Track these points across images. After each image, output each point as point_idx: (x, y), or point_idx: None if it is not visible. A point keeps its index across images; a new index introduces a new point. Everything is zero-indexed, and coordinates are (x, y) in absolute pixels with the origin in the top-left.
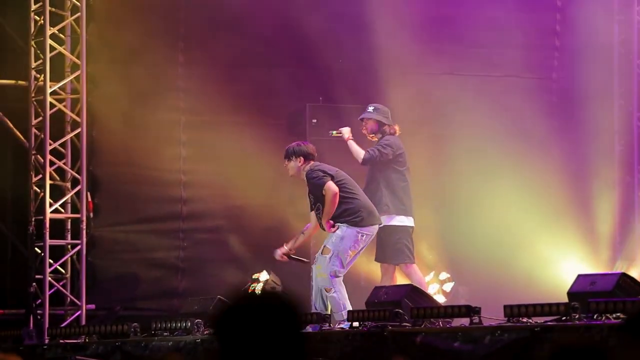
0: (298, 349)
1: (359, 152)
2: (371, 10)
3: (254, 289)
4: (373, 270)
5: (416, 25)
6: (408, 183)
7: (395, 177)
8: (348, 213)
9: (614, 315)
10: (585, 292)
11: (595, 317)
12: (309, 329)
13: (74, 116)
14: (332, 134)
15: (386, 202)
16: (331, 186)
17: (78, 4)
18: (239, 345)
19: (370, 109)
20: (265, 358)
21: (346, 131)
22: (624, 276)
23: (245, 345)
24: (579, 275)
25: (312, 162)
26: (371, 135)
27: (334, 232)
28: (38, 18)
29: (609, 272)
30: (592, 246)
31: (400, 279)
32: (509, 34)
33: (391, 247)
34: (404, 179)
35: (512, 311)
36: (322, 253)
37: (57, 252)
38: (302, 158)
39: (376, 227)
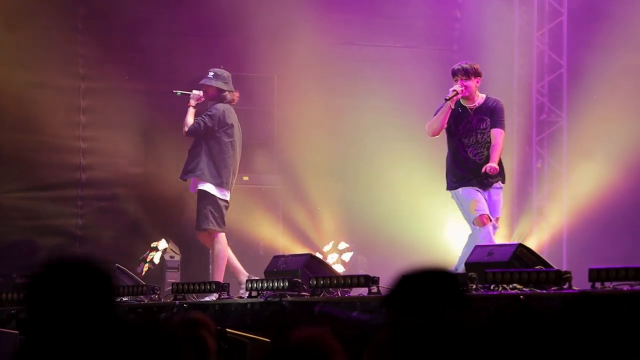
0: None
1: (188, 122)
2: None
3: (153, 258)
4: (272, 239)
5: None
6: (231, 155)
7: (217, 148)
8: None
9: (511, 286)
10: (483, 262)
11: (492, 287)
12: (207, 298)
13: None
14: (177, 93)
15: (202, 168)
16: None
17: None
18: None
19: (210, 74)
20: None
21: (194, 94)
22: (521, 247)
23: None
24: (477, 246)
25: None
26: (211, 103)
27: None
28: None
29: (506, 243)
30: None
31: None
32: (410, 4)
33: (198, 212)
34: (227, 151)
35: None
36: (497, 221)
37: None
38: (479, 78)
39: None
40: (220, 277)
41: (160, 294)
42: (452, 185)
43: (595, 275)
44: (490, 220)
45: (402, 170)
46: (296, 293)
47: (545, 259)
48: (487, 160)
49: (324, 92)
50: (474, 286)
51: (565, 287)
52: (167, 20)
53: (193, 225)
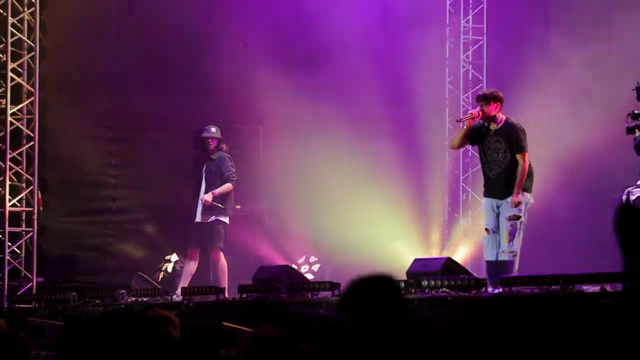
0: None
1: (228, 187)
2: (249, 39)
3: (167, 268)
4: (259, 253)
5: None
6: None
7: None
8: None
9: (441, 290)
10: (420, 272)
11: (426, 291)
12: (210, 298)
13: (29, 132)
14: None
15: (223, 203)
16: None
17: (33, 45)
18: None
19: (213, 129)
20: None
21: (208, 197)
22: (449, 260)
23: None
24: (415, 259)
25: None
26: (212, 149)
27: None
28: (1, 55)
29: (438, 257)
30: (427, 236)
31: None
32: (382, 62)
33: (213, 234)
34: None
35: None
36: (509, 219)
37: (15, 237)
38: (499, 103)
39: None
40: (225, 283)
41: (172, 295)
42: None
43: (506, 281)
44: (489, 233)
45: (361, 200)
46: (276, 295)
47: (468, 269)
48: (500, 177)
49: (301, 139)
50: (413, 290)
51: (482, 291)
52: (173, 84)
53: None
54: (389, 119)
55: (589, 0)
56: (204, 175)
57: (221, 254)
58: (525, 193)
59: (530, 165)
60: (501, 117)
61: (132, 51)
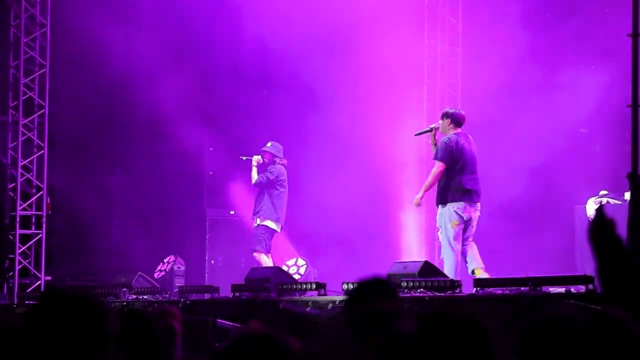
0: None
1: (254, 177)
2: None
3: (166, 268)
4: (250, 256)
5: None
6: (284, 200)
7: (275, 194)
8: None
9: (419, 290)
10: (399, 273)
11: (405, 291)
12: (205, 296)
13: (39, 142)
14: (243, 158)
15: (265, 210)
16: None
17: (44, 62)
18: None
19: (268, 144)
20: None
21: (254, 159)
22: (427, 263)
23: None
24: (395, 262)
25: (458, 130)
26: (266, 162)
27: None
28: (15, 71)
29: (416, 260)
30: (407, 243)
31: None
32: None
33: (255, 237)
34: (282, 196)
35: (347, 287)
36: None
37: (25, 239)
38: (449, 120)
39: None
40: None
41: (170, 293)
42: None
43: (478, 283)
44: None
45: (343, 210)
46: (266, 294)
47: (443, 272)
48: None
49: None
50: None
51: (457, 291)
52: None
53: (195, 247)
54: (371, 132)
55: (560, 29)
56: None
57: (259, 255)
58: (450, 203)
59: (456, 179)
60: (450, 132)
61: (135, 69)
